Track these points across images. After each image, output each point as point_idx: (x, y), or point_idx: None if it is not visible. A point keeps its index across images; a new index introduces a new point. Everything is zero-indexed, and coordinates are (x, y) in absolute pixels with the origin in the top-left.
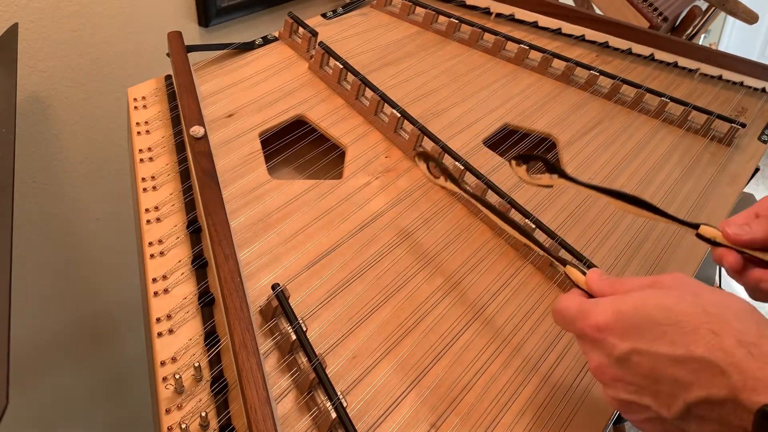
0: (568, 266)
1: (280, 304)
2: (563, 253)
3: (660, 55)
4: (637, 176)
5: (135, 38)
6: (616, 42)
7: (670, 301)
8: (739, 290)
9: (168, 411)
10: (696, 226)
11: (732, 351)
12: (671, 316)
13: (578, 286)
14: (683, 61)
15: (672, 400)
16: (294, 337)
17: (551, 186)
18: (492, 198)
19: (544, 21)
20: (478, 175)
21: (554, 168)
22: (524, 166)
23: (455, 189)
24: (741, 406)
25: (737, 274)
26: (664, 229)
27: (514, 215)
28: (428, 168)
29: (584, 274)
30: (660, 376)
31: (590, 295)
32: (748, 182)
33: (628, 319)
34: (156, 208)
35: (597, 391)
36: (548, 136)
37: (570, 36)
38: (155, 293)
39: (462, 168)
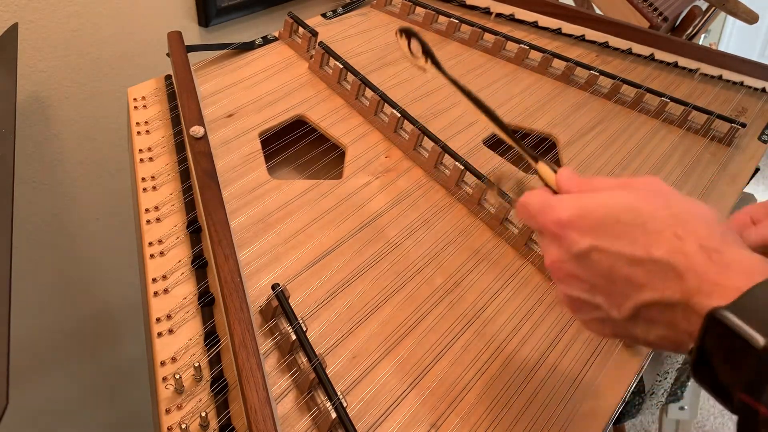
0: (540, 162)
1: (280, 304)
2: None
3: (660, 55)
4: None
5: (135, 38)
6: (616, 42)
7: (638, 203)
8: None
9: (168, 411)
10: (536, 159)
11: (693, 255)
12: (637, 217)
13: (548, 186)
14: (683, 61)
15: (623, 300)
16: (294, 337)
17: (424, 70)
18: (492, 197)
19: (544, 21)
20: (478, 174)
21: (430, 54)
22: (405, 40)
23: (436, 72)
24: (691, 310)
25: None
26: None
27: (514, 215)
28: (408, 46)
29: (555, 172)
30: (616, 276)
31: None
32: (748, 182)
33: (592, 217)
34: (156, 208)
35: (597, 392)
36: (548, 136)
37: (570, 36)
38: (155, 293)
39: (462, 168)
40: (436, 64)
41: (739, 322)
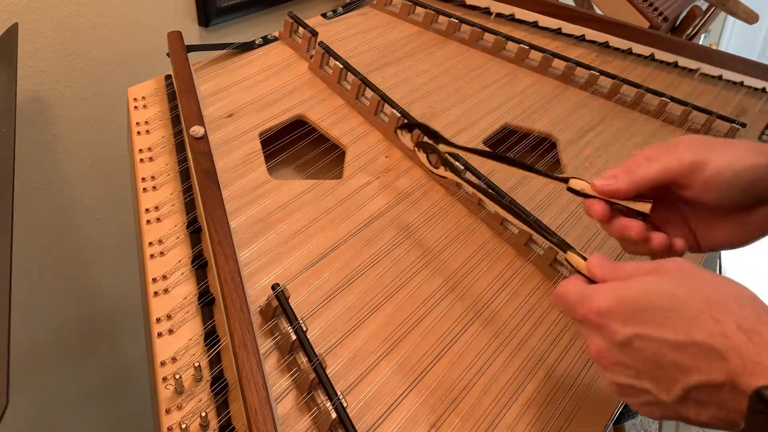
0: (569, 252)
1: (280, 304)
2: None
3: (660, 55)
4: None
5: (135, 38)
6: (616, 42)
7: (672, 287)
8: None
9: (168, 411)
10: (566, 180)
11: (732, 336)
12: (673, 302)
13: (579, 272)
14: (683, 61)
15: (672, 385)
16: (294, 337)
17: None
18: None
19: (544, 21)
20: (478, 175)
21: (436, 136)
22: (409, 135)
23: (456, 179)
24: (738, 390)
25: (606, 224)
26: None
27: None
28: (428, 158)
29: (585, 259)
30: (661, 361)
31: (591, 281)
32: None
33: (630, 305)
34: (156, 208)
35: (597, 392)
36: (548, 136)
37: (570, 36)
38: (155, 293)
39: (462, 168)
40: (455, 171)
41: None
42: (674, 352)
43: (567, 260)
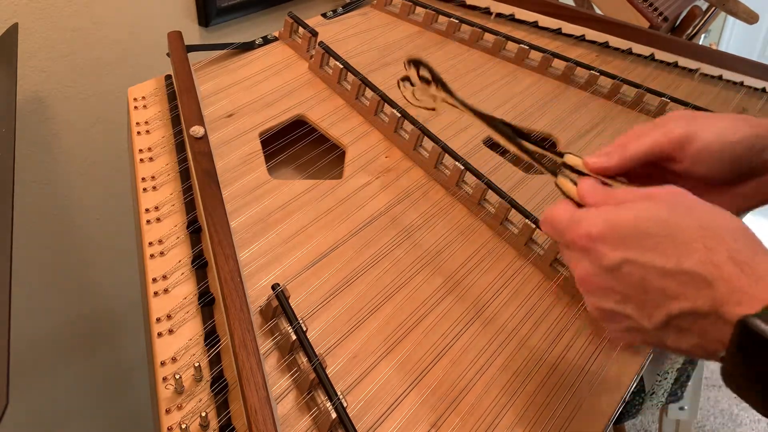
0: (559, 177)
1: (280, 304)
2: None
3: (660, 55)
4: None
5: (135, 38)
6: (616, 42)
7: (665, 214)
8: None
9: (168, 411)
10: (561, 155)
11: (722, 266)
12: (665, 229)
13: (569, 197)
14: (683, 61)
15: (655, 311)
16: (294, 337)
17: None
18: (492, 198)
19: (544, 21)
20: (478, 175)
21: (439, 81)
22: (414, 70)
23: (446, 98)
24: (722, 319)
25: None
26: None
27: (514, 215)
28: (418, 74)
29: (575, 184)
30: (648, 287)
31: (581, 207)
32: None
33: (621, 230)
34: (156, 208)
35: (597, 392)
36: (548, 136)
37: (570, 36)
38: (155, 293)
39: (462, 168)
40: (445, 87)
41: None
42: (662, 279)
43: (557, 185)
